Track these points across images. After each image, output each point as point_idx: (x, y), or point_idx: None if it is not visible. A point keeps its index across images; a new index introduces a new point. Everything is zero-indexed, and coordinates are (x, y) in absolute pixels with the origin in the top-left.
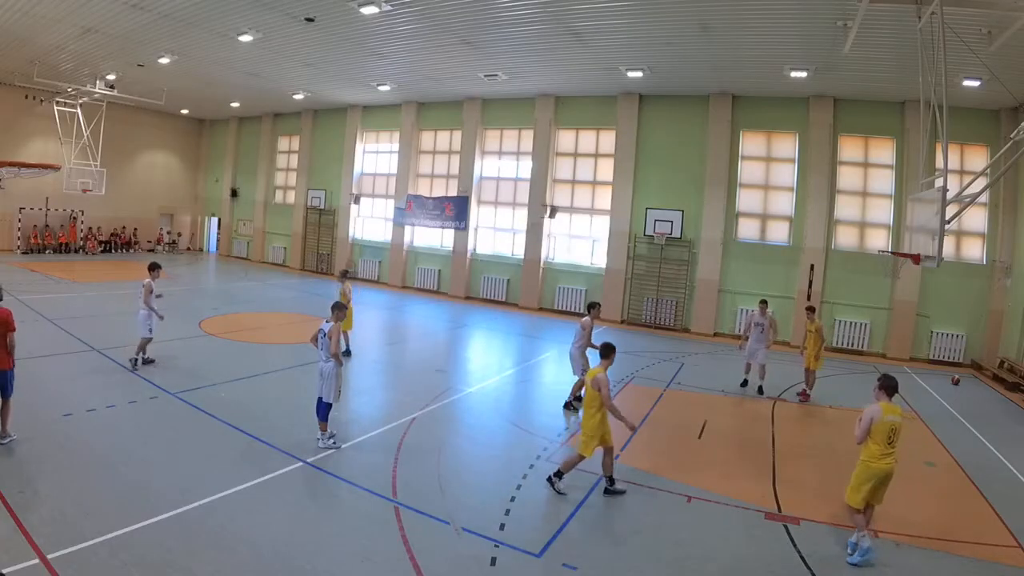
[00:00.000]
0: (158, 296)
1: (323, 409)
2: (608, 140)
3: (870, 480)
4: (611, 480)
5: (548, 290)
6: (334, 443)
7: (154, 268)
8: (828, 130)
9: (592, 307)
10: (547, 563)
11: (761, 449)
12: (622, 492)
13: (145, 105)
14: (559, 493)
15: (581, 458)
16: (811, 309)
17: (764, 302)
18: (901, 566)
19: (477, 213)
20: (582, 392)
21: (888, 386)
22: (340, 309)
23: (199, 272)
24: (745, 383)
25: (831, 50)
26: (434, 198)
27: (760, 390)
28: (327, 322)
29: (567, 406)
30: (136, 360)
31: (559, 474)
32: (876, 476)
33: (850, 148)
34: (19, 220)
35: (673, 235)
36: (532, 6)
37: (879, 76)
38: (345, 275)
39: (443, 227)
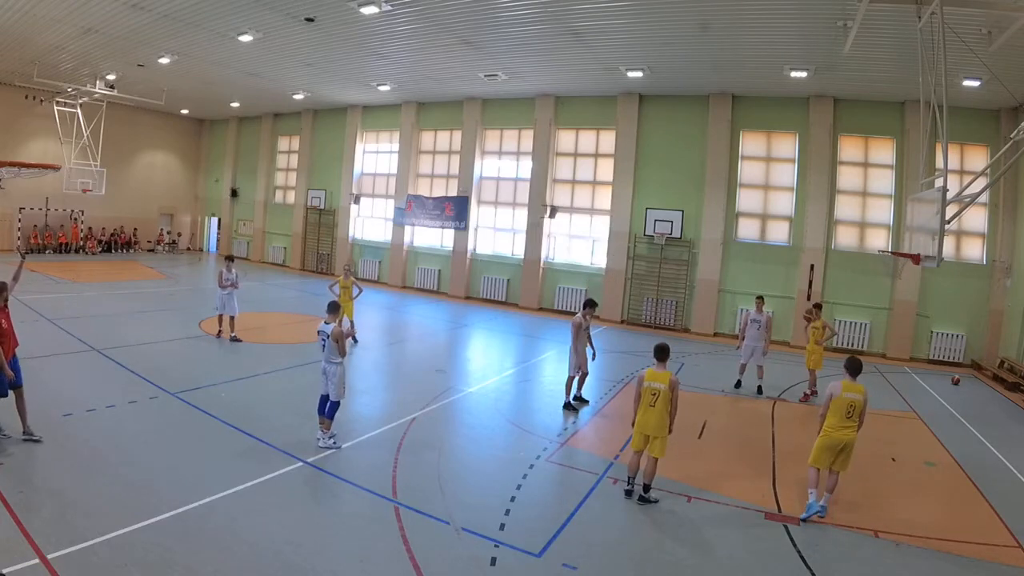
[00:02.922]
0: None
1: (331, 408)
2: (608, 140)
3: (828, 448)
4: (647, 488)
5: (548, 290)
6: (334, 443)
7: (230, 259)
8: (828, 130)
9: (586, 305)
10: (547, 563)
11: (761, 449)
12: (656, 501)
13: (145, 105)
14: (654, 501)
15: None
16: (817, 307)
17: (760, 298)
18: (901, 566)
19: (477, 213)
20: (578, 391)
21: (851, 367)
22: (336, 310)
23: (199, 272)
24: (739, 384)
25: (831, 50)
26: (434, 198)
27: (759, 390)
28: (325, 323)
29: (567, 406)
30: (233, 336)
31: (647, 488)
32: (834, 445)
33: (850, 148)
34: (19, 220)
35: (673, 235)
36: (532, 6)
37: (879, 76)
38: (348, 271)
39: (443, 227)
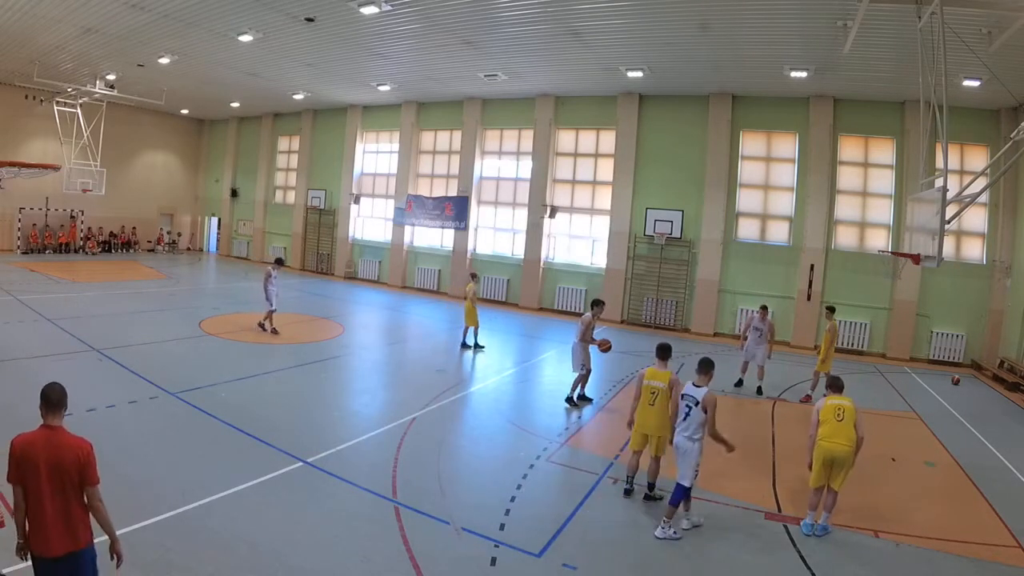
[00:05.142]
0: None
1: (677, 493)
2: (608, 140)
3: (820, 459)
4: (652, 486)
5: (548, 290)
6: (675, 533)
7: (279, 262)
8: (828, 130)
9: (595, 304)
10: (547, 563)
11: (761, 449)
12: (660, 498)
13: (145, 105)
14: (659, 498)
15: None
16: (830, 309)
17: (765, 308)
18: (901, 566)
19: (477, 213)
20: (582, 390)
21: (833, 385)
22: (709, 367)
23: (199, 272)
24: (740, 383)
25: (831, 50)
26: (434, 198)
27: (759, 390)
28: (695, 385)
29: (569, 401)
30: (264, 326)
31: (652, 487)
32: (823, 455)
33: (850, 148)
34: (19, 220)
35: (673, 235)
36: (532, 6)
37: (879, 76)
38: (474, 277)
39: (443, 227)
